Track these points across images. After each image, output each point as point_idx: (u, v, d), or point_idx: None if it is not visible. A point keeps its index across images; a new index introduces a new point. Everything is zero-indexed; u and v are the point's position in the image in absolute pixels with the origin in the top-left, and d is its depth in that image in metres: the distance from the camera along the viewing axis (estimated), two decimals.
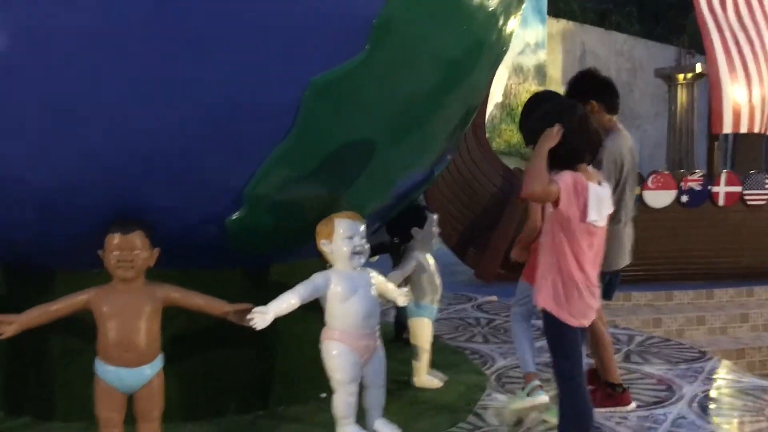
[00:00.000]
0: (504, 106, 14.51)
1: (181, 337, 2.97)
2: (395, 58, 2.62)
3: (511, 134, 14.56)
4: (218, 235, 2.85)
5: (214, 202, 2.73)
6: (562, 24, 16.83)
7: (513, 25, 3.36)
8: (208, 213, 2.76)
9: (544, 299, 2.63)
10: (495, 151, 15.90)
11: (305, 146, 2.65)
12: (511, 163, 12.81)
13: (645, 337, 4.87)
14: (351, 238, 2.86)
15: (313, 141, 2.65)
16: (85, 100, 2.38)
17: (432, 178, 3.49)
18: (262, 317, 2.66)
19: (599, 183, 2.63)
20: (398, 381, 3.55)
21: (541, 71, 15.54)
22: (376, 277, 3.02)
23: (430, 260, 3.68)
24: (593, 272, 2.63)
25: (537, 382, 3.19)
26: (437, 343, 4.45)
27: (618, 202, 3.18)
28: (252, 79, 2.42)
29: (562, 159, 2.53)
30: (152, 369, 2.59)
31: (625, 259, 3.38)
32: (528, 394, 3.18)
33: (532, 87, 15.22)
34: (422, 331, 3.61)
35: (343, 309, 2.83)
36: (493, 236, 7.80)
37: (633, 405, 3.35)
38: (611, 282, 3.38)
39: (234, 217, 2.79)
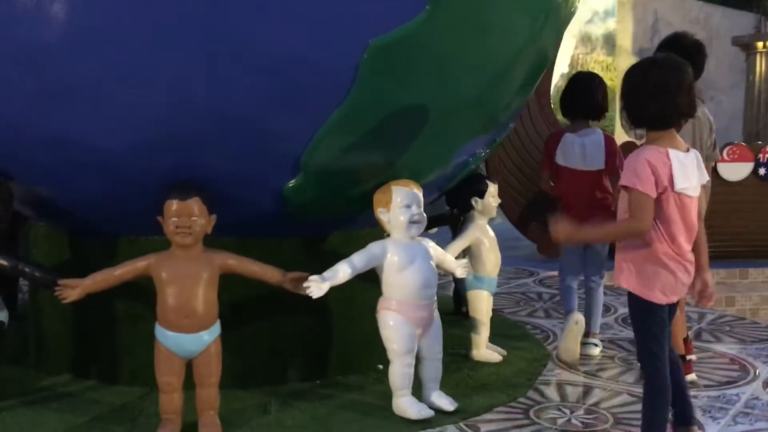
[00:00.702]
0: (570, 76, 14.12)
1: (240, 305, 2.98)
2: (458, 21, 2.52)
3: None
4: (276, 203, 2.82)
5: (273, 167, 2.70)
6: None
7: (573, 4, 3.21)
8: (266, 179, 2.73)
9: (626, 279, 2.45)
10: (560, 122, 15.54)
11: (363, 111, 2.59)
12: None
13: (717, 315, 4.67)
14: (409, 206, 2.81)
15: (372, 106, 2.58)
16: (148, 62, 2.38)
17: (494, 146, 3.38)
18: (317, 286, 2.63)
19: (687, 150, 2.46)
20: (456, 354, 3.49)
21: (610, 41, 15.03)
22: (434, 248, 2.95)
23: (490, 232, 3.59)
24: (687, 246, 2.44)
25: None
26: (497, 317, 4.37)
27: None
28: (310, 38, 2.36)
29: (655, 120, 2.40)
30: (210, 335, 2.60)
31: None
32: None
33: (600, 57, 14.75)
34: (481, 304, 3.53)
35: (400, 279, 2.78)
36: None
37: (693, 376, 3.25)
38: None
39: (291, 184, 2.76)
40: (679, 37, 3.38)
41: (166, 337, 2.57)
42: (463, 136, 3.02)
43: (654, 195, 2.34)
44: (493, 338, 3.65)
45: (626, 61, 16.21)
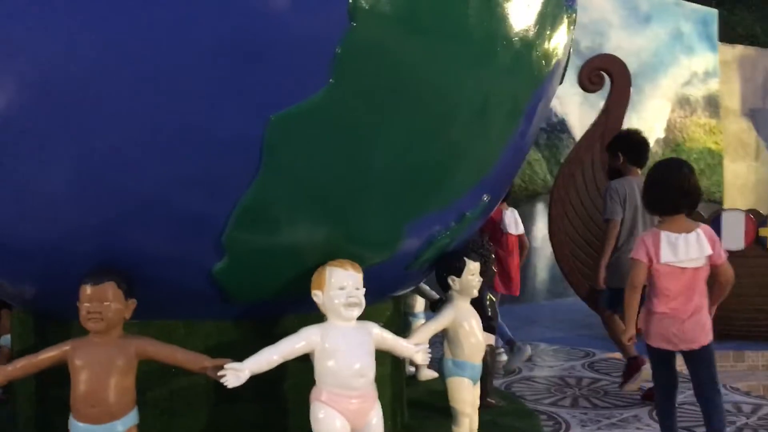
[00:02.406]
0: (668, 142, 13.37)
1: (181, 391, 2.86)
2: (370, 89, 2.38)
3: None
4: (210, 285, 2.72)
5: (198, 249, 2.60)
6: (738, 50, 15.35)
7: (555, 44, 2.97)
8: (194, 261, 2.64)
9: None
10: None
11: (277, 187, 2.46)
12: None
13: None
14: (343, 288, 2.62)
15: (286, 181, 2.45)
16: (62, 150, 2.38)
17: (465, 220, 3.12)
18: (234, 374, 2.47)
19: (687, 232, 3.10)
20: None
21: (712, 102, 14.23)
22: (379, 333, 2.73)
23: (471, 313, 3.29)
24: (681, 303, 3.09)
25: None
26: (513, 404, 4.01)
27: (629, 231, 4.34)
28: (212, 114, 2.28)
29: (660, 207, 3.20)
30: (123, 425, 2.49)
31: None
32: None
33: (702, 120, 13.96)
34: (462, 393, 3.21)
35: (331, 367, 2.57)
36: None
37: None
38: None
39: (219, 266, 2.65)
40: (630, 133, 4.80)
41: (76, 428, 2.47)
42: (408, 210, 2.80)
43: (644, 261, 3.11)
44: (488, 429, 3.31)
45: (734, 123, 15.19)
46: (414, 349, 2.88)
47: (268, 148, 2.36)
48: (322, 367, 2.58)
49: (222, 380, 2.46)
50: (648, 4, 13.31)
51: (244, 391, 2.52)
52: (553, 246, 7.51)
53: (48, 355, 2.56)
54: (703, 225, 3.13)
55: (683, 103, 13.72)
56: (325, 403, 2.56)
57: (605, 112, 7.52)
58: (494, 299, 4.31)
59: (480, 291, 3.34)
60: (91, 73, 2.22)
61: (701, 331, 3.07)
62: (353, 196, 2.62)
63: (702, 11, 14.02)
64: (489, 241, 3.84)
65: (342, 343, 2.59)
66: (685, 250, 3.04)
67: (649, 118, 12.96)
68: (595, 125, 7.65)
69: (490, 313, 3.87)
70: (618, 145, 4.65)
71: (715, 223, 6.85)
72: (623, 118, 7.53)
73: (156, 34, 2.16)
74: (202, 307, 2.84)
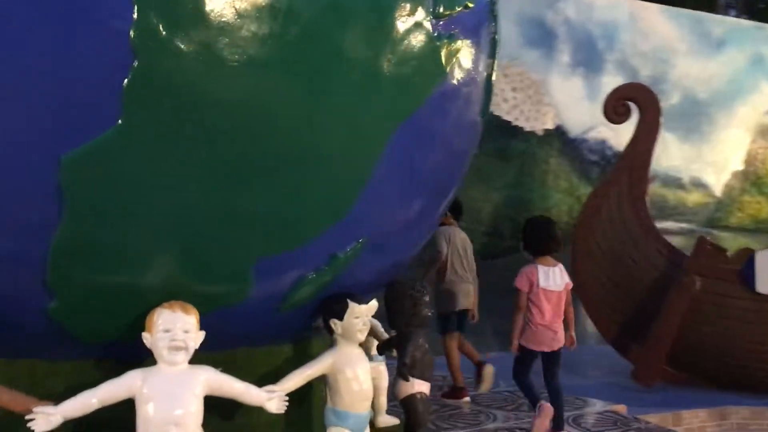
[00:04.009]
0: (747, 175, 12.43)
1: None
2: (169, 126, 2.31)
3: (759, 207, 12.38)
4: (51, 325, 2.71)
5: (28, 290, 2.61)
6: None
7: (416, 77, 2.80)
8: (28, 301, 2.64)
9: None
10: (736, 226, 13.94)
11: (88, 226, 2.43)
12: (758, 242, 10.88)
13: None
14: (168, 331, 2.54)
15: (96, 220, 2.43)
16: None
17: (338, 261, 2.96)
18: (44, 418, 2.42)
19: (553, 266, 4.31)
20: None
21: None
22: (215, 378, 2.61)
23: (358, 358, 3.10)
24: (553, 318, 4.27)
25: None
26: None
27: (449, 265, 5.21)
28: (5, 159, 2.30)
29: (535, 250, 4.34)
30: None
31: (456, 305, 5.15)
32: None
33: None
34: None
35: (144, 413, 2.48)
36: (653, 327, 6.52)
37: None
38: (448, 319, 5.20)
39: (52, 305, 2.64)
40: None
41: None
42: (251, 251, 2.69)
43: (526, 289, 4.23)
44: None
45: None
46: (265, 396, 2.75)
47: (66, 189, 2.34)
48: (140, 413, 2.50)
49: (30, 424, 2.42)
50: (721, 28, 12.55)
51: None
52: (577, 288, 7.07)
53: None
54: (559, 263, 4.34)
55: (765, 133, 12.75)
56: None
57: (633, 144, 7.06)
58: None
59: (407, 334, 3.33)
60: None
61: (562, 338, 4.32)
62: (179, 234, 2.55)
63: None
64: (423, 283, 3.66)
65: (163, 389, 2.50)
66: (553, 279, 4.28)
67: (724, 149, 12.12)
68: (623, 157, 7.21)
69: (407, 361, 3.62)
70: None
71: (749, 265, 6.23)
72: (653, 149, 7.06)
73: None
74: (56, 346, 2.83)
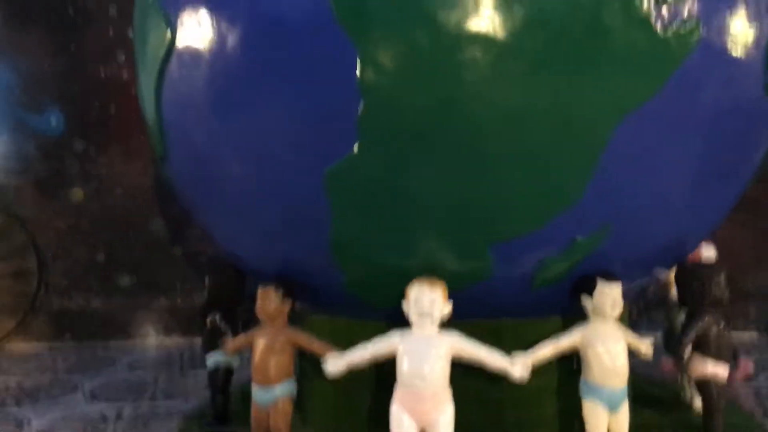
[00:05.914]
0: None
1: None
2: (399, 141, 2.89)
3: None
4: (348, 295, 3.48)
5: (327, 271, 3.39)
6: None
7: None
8: (331, 280, 3.40)
9: None
10: None
11: (350, 223, 3.14)
12: None
13: None
14: (417, 301, 3.10)
15: (355, 218, 3.13)
16: None
17: (576, 246, 3.12)
18: (334, 363, 3.20)
19: None
20: None
21: None
22: (457, 342, 3.12)
23: (610, 333, 3.18)
24: None
25: None
26: None
27: None
28: None
29: None
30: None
31: None
32: None
33: None
34: (589, 418, 3.17)
35: (403, 368, 3.10)
36: None
37: None
38: None
39: (345, 281, 3.39)
40: None
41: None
42: (485, 235, 3.10)
43: None
44: None
45: None
46: (507, 363, 3.10)
47: (330, 193, 3.06)
48: (398, 368, 3.10)
49: (324, 365, 3.22)
50: None
51: None
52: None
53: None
54: None
55: None
56: (397, 401, 3.07)
57: None
58: None
59: (694, 313, 3.41)
60: None
61: None
62: (429, 225, 3.10)
63: None
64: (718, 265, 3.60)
65: (414, 348, 3.07)
66: None
67: None
68: None
69: (683, 339, 3.49)
70: None
71: None
72: None
73: None
74: (359, 310, 3.52)
